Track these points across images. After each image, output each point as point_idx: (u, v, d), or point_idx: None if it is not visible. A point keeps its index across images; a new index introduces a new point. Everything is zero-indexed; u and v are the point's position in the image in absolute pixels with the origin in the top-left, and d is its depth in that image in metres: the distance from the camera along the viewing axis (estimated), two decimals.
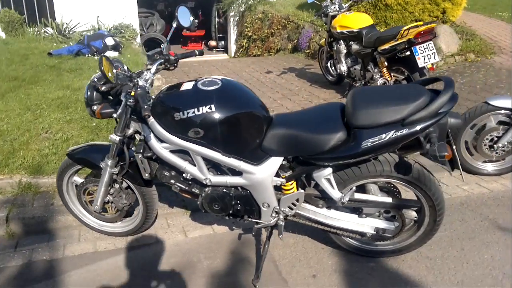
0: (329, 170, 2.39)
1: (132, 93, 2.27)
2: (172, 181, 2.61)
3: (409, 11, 7.94)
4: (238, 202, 2.55)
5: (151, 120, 2.41)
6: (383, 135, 2.19)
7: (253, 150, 2.41)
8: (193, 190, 2.61)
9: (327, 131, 2.28)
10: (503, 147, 3.69)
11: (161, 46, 2.59)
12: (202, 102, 2.29)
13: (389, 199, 2.48)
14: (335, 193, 2.42)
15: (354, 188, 2.44)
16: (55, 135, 4.01)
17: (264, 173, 2.43)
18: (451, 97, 2.19)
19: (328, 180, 2.41)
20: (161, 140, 2.45)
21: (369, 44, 5.30)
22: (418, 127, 2.16)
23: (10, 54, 6.17)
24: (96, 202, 2.77)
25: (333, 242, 2.79)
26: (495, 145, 3.69)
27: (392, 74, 5.22)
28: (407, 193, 2.60)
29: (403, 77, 5.15)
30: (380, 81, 5.15)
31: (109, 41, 6.32)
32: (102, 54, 2.36)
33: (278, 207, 2.54)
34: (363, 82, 5.57)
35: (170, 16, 16.15)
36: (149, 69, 2.48)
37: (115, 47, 6.45)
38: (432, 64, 4.86)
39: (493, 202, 3.42)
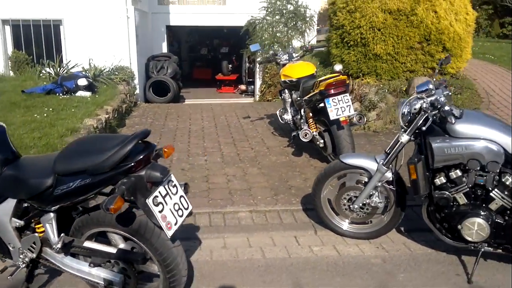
0: (50, 215, 2.40)
1: None
2: None
3: (399, 61, 7.66)
4: None
5: None
6: (71, 183, 2.20)
7: None
8: None
9: (40, 176, 2.31)
10: (361, 208, 3.41)
11: None
12: None
13: (113, 250, 2.42)
14: (53, 239, 2.42)
15: (63, 235, 2.41)
16: None
17: (0, 214, 2.49)
18: (139, 149, 2.16)
19: (51, 225, 2.42)
20: None
21: (301, 94, 5.21)
22: (100, 178, 2.15)
23: None
24: None
25: None
26: (351, 206, 3.44)
27: (317, 125, 5.07)
28: None
29: (324, 128, 4.98)
30: (302, 132, 5.00)
31: (82, 82, 6.76)
32: None
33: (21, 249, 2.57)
34: (298, 132, 5.43)
35: (212, 60, 16.88)
36: None
37: (89, 87, 6.88)
38: (347, 117, 4.66)
39: (326, 268, 3.15)
